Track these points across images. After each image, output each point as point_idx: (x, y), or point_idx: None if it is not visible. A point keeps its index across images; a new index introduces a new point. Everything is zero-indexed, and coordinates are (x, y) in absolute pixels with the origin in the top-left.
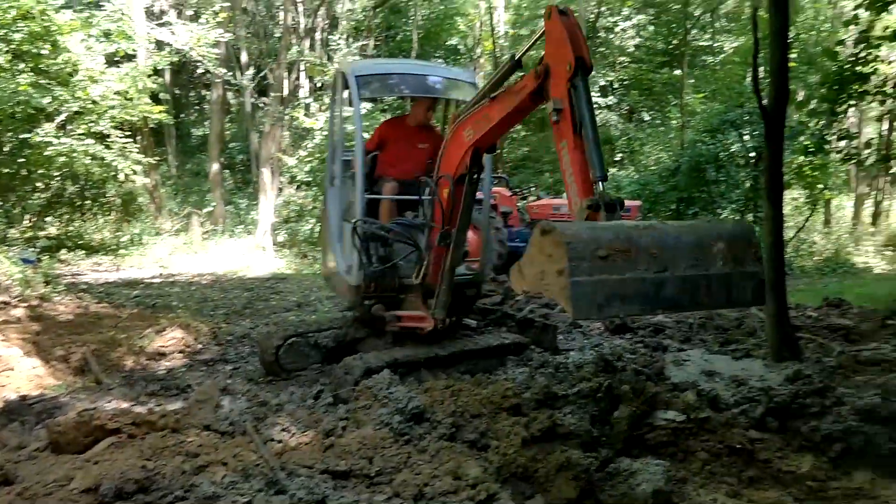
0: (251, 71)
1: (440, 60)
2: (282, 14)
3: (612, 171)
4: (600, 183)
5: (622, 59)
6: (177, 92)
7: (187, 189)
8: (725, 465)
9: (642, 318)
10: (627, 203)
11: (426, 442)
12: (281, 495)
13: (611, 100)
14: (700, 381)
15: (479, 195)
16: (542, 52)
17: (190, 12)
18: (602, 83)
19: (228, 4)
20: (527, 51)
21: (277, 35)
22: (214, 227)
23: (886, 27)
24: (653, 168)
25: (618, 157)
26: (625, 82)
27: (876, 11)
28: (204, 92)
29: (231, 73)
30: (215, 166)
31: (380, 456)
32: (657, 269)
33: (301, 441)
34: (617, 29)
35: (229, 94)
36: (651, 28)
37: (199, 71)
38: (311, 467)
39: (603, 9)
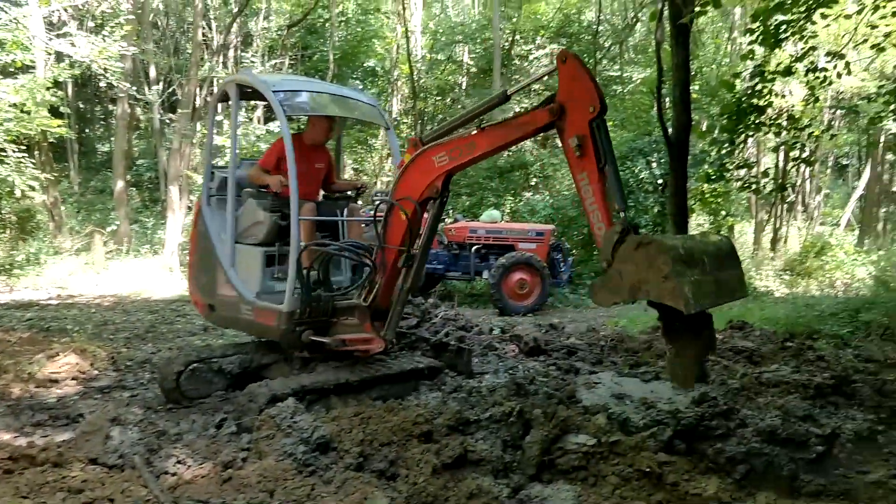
0: (158, 86)
1: (357, 82)
2: (197, 31)
3: (527, 195)
4: (622, 212)
5: (536, 86)
6: (81, 106)
7: (90, 207)
8: (635, 489)
9: (557, 341)
10: (540, 227)
11: (332, 473)
12: None
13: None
14: (610, 403)
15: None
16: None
17: (92, 24)
18: (517, 109)
19: (133, 17)
20: (519, 88)
21: (189, 51)
22: (119, 246)
23: (779, 63)
24: (566, 193)
25: (533, 181)
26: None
27: (769, 47)
28: (111, 107)
29: (135, 88)
30: (120, 183)
31: (281, 489)
32: (711, 269)
33: (197, 474)
34: (531, 57)
35: (138, 110)
36: None
37: (103, 85)
38: (206, 502)
39: (517, 37)
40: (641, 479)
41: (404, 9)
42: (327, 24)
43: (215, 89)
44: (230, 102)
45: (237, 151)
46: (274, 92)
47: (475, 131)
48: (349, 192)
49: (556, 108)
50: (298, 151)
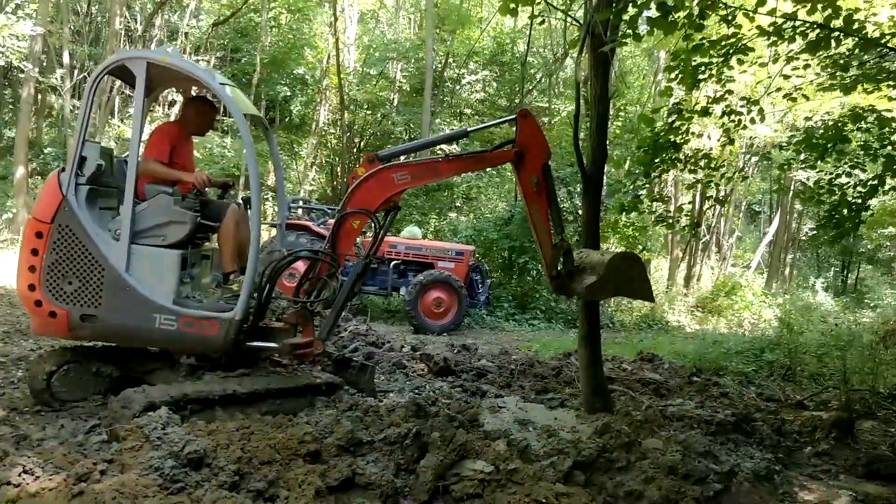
0: (62, 71)
1: (286, 88)
2: (114, 18)
3: (452, 215)
4: (561, 236)
5: (467, 110)
6: None
7: None
8: None
9: (467, 363)
10: (460, 247)
11: (201, 492)
12: None
13: (455, 148)
14: (513, 429)
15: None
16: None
17: None
18: (447, 131)
19: None
20: (478, 129)
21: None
22: (14, 236)
23: (696, 103)
24: (489, 216)
25: (458, 202)
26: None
27: (688, 87)
28: (22, 91)
29: (38, 70)
30: (21, 170)
31: None
32: None
33: (44, 486)
34: (463, 81)
35: (52, 98)
36: (495, 84)
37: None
38: None
39: (451, 60)
40: None
41: (336, 19)
42: (259, 27)
43: None
44: (133, 84)
45: (140, 141)
46: (221, 85)
47: (438, 158)
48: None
49: (518, 152)
50: (179, 142)
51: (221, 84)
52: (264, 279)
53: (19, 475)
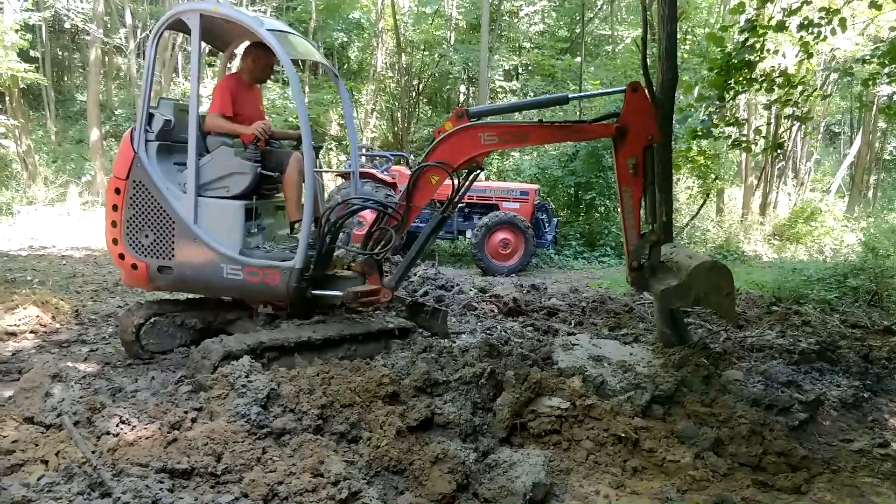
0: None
1: (342, 34)
2: None
3: (515, 155)
4: (652, 225)
5: (526, 44)
6: (59, 53)
7: (66, 157)
8: (610, 455)
9: (537, 302)
10: (525, 186)
11: (287, 436)
12: (105, 499)
13: (514, 84)
14: (587, 366)
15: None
16: None
17: None
18: (506, 67)
19: None
20: (581, 97)
21: None
22: (94, 197)
23: (770, 17)
24: (552, 153)
25: None
26: (528, 67)
27: (761, 0)
28: (87, 54)
29: (101, 31)
30: (95, 132)
31: (230, 452)
32: None
33: (140, 435)
34: (521, 13)
35: (118, 60)
36: (553, 15)
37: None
38: (146, 465)
39: None
40: (616, 444)
41: None
42: None
43: None
44: (190, 37)
45: (198, 95)
46: (269, 31)
47: (530, 122)
48: (287, 141)
49: (621, 128)
50: (246, 91)
51: (269, 30)
52: (325, 228)
53: (117, 425)
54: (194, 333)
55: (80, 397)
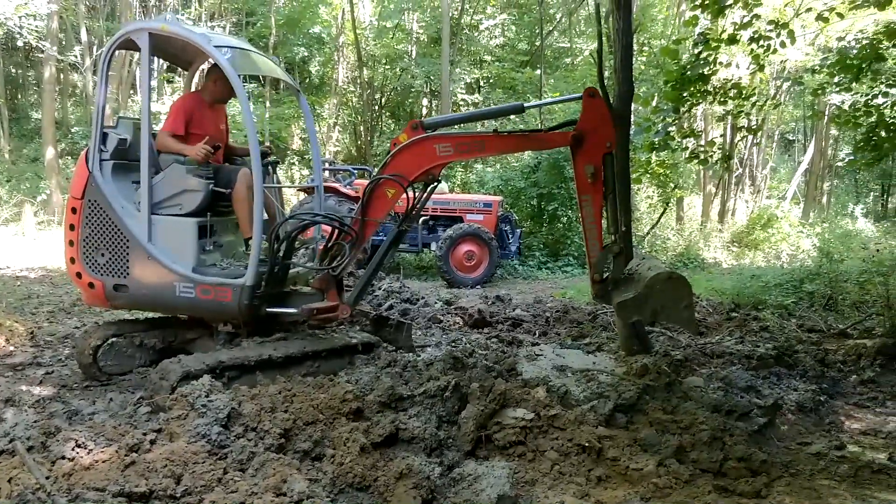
0: (80, 48)
1: (302, 49)
2: None
3: (478, 167)
4: (614, 235)
5: (487, 57)
6: (13, 71)
7: (21, 175)
8: (574, 465)
9: (502, 313)
10: (488, 198)
11: (248, 455)
12: None
13: (476, 97)
14: (551, 376)
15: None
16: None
17: None
18: (468, 80)
19: None
20: (536, 106)
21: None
22: (50, 217)
23: (723, 31)
24: (515, 164)
25: None
26: (490, 80)
27: (713, 14)
28: (42, 71)
29: (56, 49)
30: (50, 151)
31: (190, 473)
32: None
33: (97, 458)
34: (481, 27)
35: (74, 77)
36: (513, 28)
37: (21, 44)
38: (102, 490)
39: (467, 6)
40: (581, 453)
41: None
42: None
43: None
44: (138, 57)
45: (150, 113)
46: (217, 47)
47: (486, 132)
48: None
49: (578, 136)
50: (200, 111)
51: (217, 46)
52: (276, 243)
53: (73, 449)
54: (154, 354)
55: (35, 421)
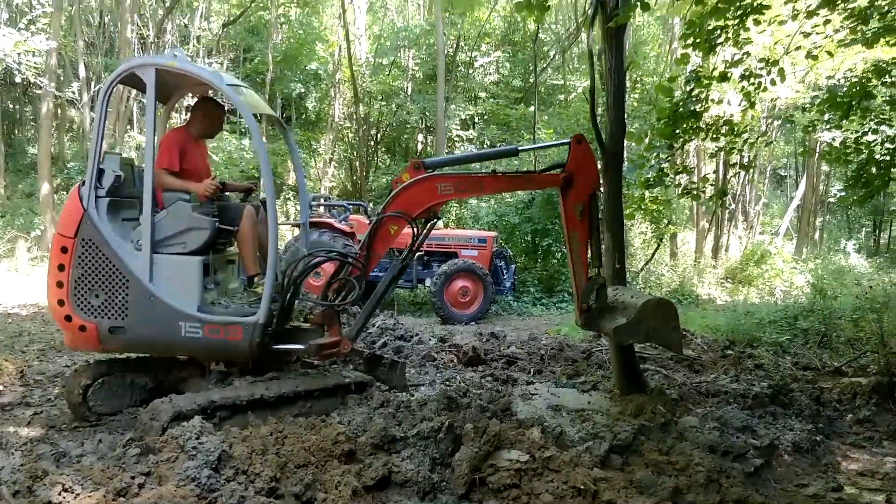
0: (78, 84)
1: (299, 85)
2: (125, 26)
3: (473, 202)
4: (598, 268)
5: (482, 93)
6: (10, 106)
7: (15, 210)
8: None
9: (496, 351)
10: (483, 234)
11: (238, 499)
12: None
13: (471, 133)
14: (546, 416)
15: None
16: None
17: (6, 16)
18: (463, 116)
19: (53, 11)
20: (529, 149)
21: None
22: (44, 252)
23: (714, 68)
24: (509, 200)
25: None
26: (484, 116)
27: (704, 53)
28: (40, 106)
29: (54, 85)
30: (46, 186)
31: None
32: None
33: (85, 503)
34: (476, 64)
35: (72, 112)
36: (508, 65)
37: (19, 80)
38: None
39: (462, 43)
40: (576, 496)
41: (344, 11)
42: (269, 25)
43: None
44: (135, 93)
45: (154, 149)
46: (230, 86)
47: (484, 173)
48: (236, 194)
49: (567, 178)
50: (189, 146)
51: (230, 85)
52: (287, 281)
53: (59, 494)
54: (144, 393)
55: (21, 465)
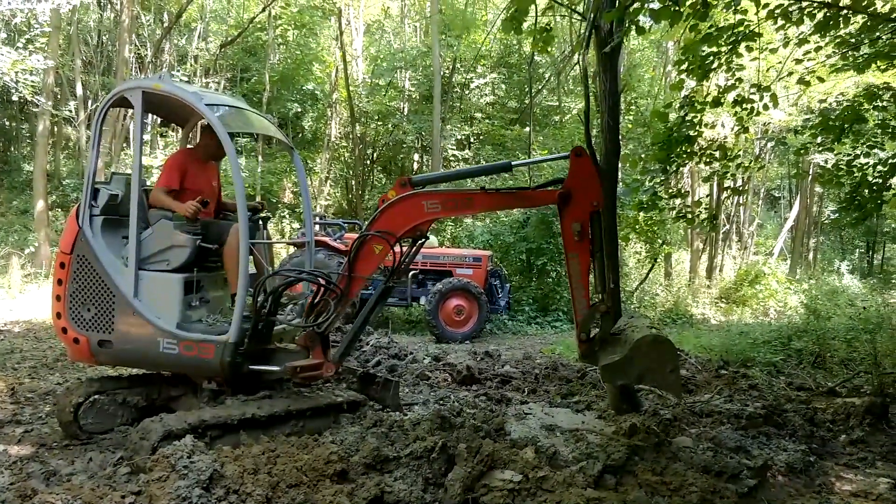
0: (75, 102)
1: (295, 104)
2: (123, 46)
3: (467, 221)
4: (602, 294)
5: (477, 114)
6: (7, 124)
7: (9, 227)
8: None
9: (491, 370)
10: (478, 253)
11: None
12: None
13: (467, 153)
14: (540, 436)
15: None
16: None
17: (3, 35)
18: (458, 136)
19: (50, 30)
20: (523, 164)
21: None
22: (37, 270)
23: (707, 94)
24: (504, 219)
25: None
26: (480, 137)
27: (698, 78)
28: (36, 124)
29: (51, 103)
30: (41, 204)
31: None
32: None
33: None
34: (472, 85)
35: (68, 130)
36: (503, 87)
37: (15, 98)
38: None
39: (458, 65)
40: None
41: (342, 32)
42: (267, 45)
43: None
44: (132, 112)
45: (141, 169)
46: (208, 105)
47: (474, 190)
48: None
49: (565, 194)
50: (194, 167)
51: (208, 105)
52: (262, 301)
53: None
54: (136, 412)
55: (11, 483)
